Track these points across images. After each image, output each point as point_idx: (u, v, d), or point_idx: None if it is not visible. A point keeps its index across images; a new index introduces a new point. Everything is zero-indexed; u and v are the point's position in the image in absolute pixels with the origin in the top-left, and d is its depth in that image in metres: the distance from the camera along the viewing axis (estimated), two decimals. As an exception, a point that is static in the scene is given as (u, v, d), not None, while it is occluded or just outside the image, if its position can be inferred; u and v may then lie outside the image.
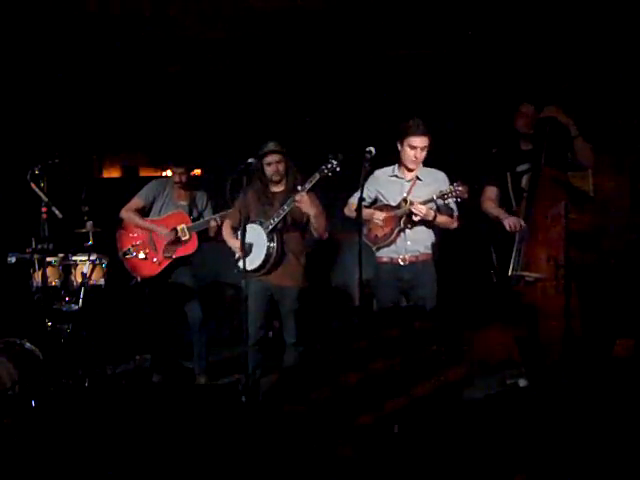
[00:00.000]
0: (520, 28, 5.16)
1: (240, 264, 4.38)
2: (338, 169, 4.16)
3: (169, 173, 5.23)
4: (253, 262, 4.35)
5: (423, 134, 4.18)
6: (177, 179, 5.03)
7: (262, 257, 4.32)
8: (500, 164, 4.66)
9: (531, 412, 3.34)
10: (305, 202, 4.20)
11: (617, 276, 5.21)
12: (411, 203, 4.18)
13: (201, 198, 5.15)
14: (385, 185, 4.39)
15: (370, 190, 4.40)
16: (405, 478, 3.09)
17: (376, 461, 3.33)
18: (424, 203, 4.19)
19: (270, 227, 4.32)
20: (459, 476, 3.03)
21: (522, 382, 4.57)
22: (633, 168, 5.75)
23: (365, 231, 4.32)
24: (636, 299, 5.02)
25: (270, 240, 4.31)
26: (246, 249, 4.31)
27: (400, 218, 4.24)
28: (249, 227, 4.39)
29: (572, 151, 4.33)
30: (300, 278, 4.48)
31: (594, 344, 4.65)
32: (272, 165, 4.38)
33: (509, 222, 4.42)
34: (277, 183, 4.45)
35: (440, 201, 4.20)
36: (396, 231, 4.25)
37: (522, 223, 4.36)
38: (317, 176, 4.21)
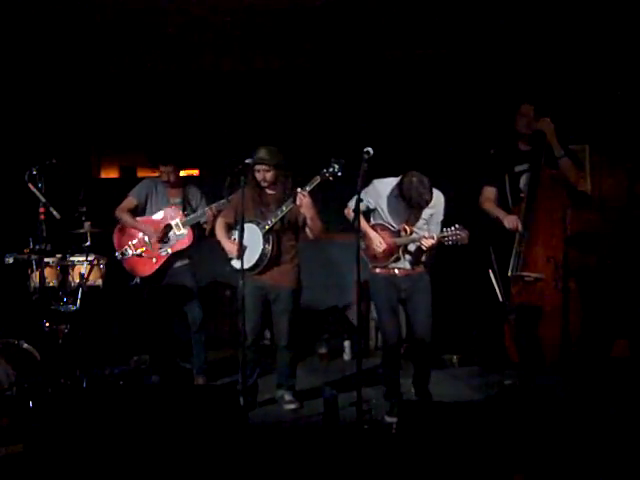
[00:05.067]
0: (519, 29, 5.16)
1: (233, 262, 4.47)
2: (340, 173, 4.23)
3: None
4: (247, 261, 4.37)
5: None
6: (165, 178, 4.98)
7: (256, 257, 4.38)
8: (498, 164, 4.66)
9: (529, 412, 3.33)
10: (306, 203, 4.27)
11: (614, 276, 5.21)
12: (411, 232, 4.23)
13: (194, 194, 5.09)
14: (386, 202, 4.34)
15: (370, 201, 4.35)
16: (405, 478, 3.09)
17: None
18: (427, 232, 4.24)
19: (267, 227, 4.38)
20: (458, 475, 3.03)
21: (522, 383, 4.56)
22: (630, 168, 5.76)
23: (363, 245, 4.35)
24: (632, 300, 5.02)
25: (266, 241, 4.38)
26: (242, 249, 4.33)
27: (399, 247, 4.29)
28: (245, 226, 4.40)
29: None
30: (294, 279, 4.53)
31: (593, 344, 4.65)
32: (260, 173, 4.42)
33: (509, 221, 4.43)
34: (269, 187, 4.49)
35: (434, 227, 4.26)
36: (393, 258, 4.31)
37: (520, 224, 4.37)
38: (318, 179, 4.28)
